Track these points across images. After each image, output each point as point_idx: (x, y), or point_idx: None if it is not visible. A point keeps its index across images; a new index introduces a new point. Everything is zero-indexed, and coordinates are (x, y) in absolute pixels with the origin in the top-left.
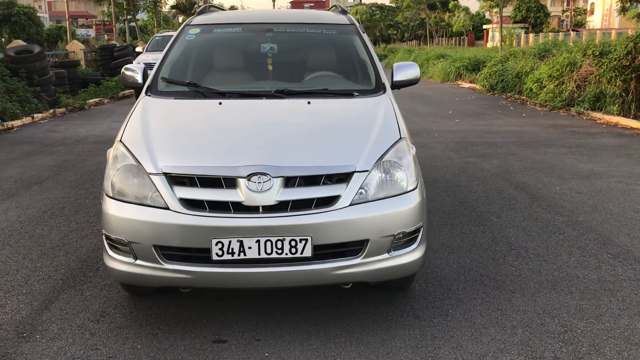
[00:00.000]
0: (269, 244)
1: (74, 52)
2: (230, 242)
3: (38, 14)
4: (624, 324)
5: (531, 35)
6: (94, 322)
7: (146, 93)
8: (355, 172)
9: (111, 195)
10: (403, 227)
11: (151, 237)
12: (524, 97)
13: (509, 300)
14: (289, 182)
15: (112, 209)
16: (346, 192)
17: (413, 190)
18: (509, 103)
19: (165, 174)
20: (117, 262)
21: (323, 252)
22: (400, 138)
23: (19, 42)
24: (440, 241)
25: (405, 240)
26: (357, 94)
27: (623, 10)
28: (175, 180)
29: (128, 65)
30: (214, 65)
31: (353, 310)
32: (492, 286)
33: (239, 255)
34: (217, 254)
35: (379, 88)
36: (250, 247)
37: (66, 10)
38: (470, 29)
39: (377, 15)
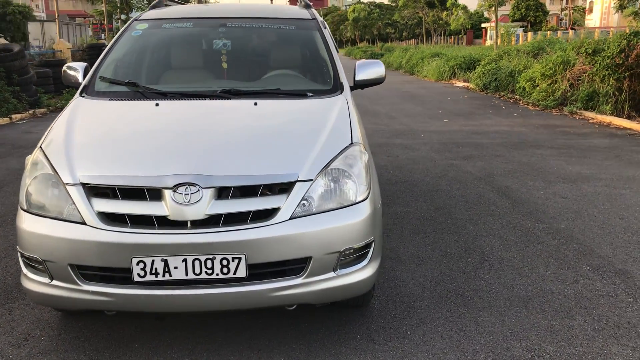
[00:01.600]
0: (197, 263)
1: (60, 51)
2: (153, 261)
3: (35, 13)
4: (597, 347)
5: (530, 34)
6: (14, 346)
7: (80, 94)
8: (297, 181)
9: (25, 208)
10: (350, 242)
11: (66, 256)
12: (517, 97)
13: (475, 320)
14: (223, 193)
15: (26, 223)
16: (286, 205)
17: (363, 201)
18: (502, 102)
19: (83, 184)
20: (33, 282)
21: (260, 271)
22: (352, 143)
23: (1, 41)
24: (409, 251)
25: (354, 256)
26: (310, 94)
27: (621, 7)
28: (95, 191)
29: (70, 64)
30: (160, 63)
31: (301, 332)
32: (459, 303)
33: (163, 276)
34: (138, 274)
35: (336, 88)
36: (176, 267)
37: (56, 9)
38: (469, 27)
39: (375, 13)
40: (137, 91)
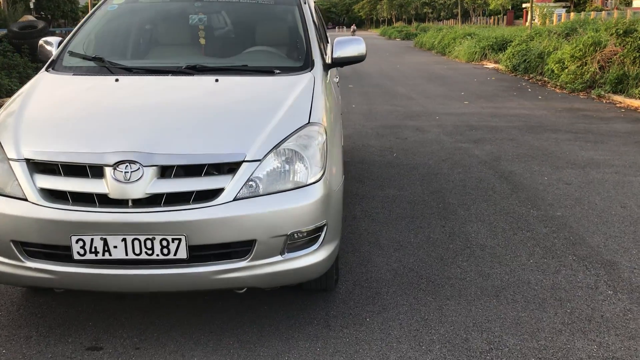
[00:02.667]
0: (136, 243)
1: None
2: (92, 239)
3: None
4: (562, 341)
5: (572, 14)
6: None
7: (47, 68)
8: (244, 161)
9: None
10: (298, 225)
11: (9, 231)
12: (545, 79)
13: (440, 309)
14: (166, 172)
15: None
16: (231, 185)
17: (314, 183)
18: (529, 85)
19: (27, 160)
20: None
21: (203, 253)
22: (309, 123)
23: (28, 18)
24: (391, 236)
25: (304, 240)
26: (278, 71)
27: None
28: (39, 167)
29: (46, 38)
30: (133, 37)
31: (259, 315)
32: (428, 291)
33: (103, 255)
34: (78, 252)
35: (307, 65)
36: (115, 247)
37: None
38: (510, 7)
39: None
40: (103, 66)
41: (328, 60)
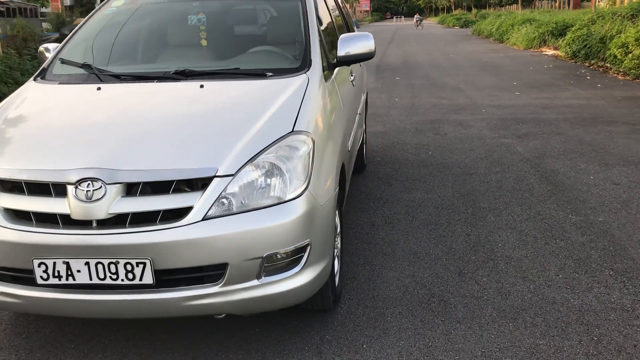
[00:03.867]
0: (100, 267)
1: None
2: (55, 263)
3: None
4: None
5: None
6: None
7: (35, 77)
8: (215, 176)
9: None
10: (275, 247)
11: None
12: (607, 65)
13: (447, 334)
14: (132, 189)
15: None
16: (200, 203)
17: (295, 199)
18: (589, 72)
19: None
20: None
21: (172, 277)
22: (293, 131)
23: (81, 20)
24: (408, 247)
25: (285, 262)
26: (271, 74)
27: None
28: (6, 186)
29: (46, 44)
30: (128, 42)
31: (247, 339)
32: (438, 311)
33: (67, 279)
34: (41, 277)
35: (304, 66)
36: (79, 271)
37: None
38: None
39: None
40: (92, 73)
41: (334, 60)
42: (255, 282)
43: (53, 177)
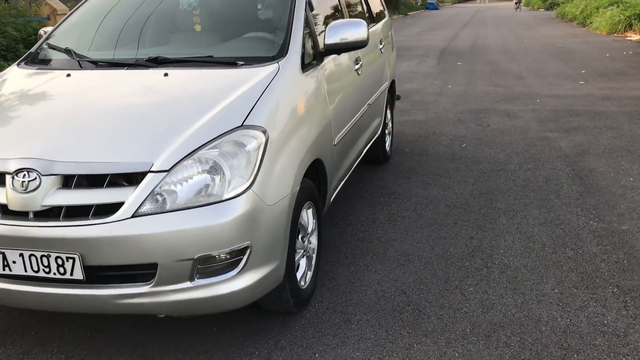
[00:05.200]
0: (33, 259)
1: None
2: None
3: None
4: None
5: None
6: None
7: (19, 61)
8: (149, 172)
9: None
10: (207, 248)
11: None
12: None
13: (408, 349)
14: (69, 182)
15: None
16: (131, 199)
17: (234, 198)
18: None
19: None
20: None
21: (104, 274)
22: (242, 125)
23: None
24: (403, 248)
25: (222, 264)
26: (242, 62)
27: None
28: None
29: (45, 28)
30: (115, 26)
31: (200, 339)
32: (409, 322)
33: (3, 269)
34: None
35: (280, 55)
36: (14, 262)
37: None
38: None
39: None
40: (72, 59)
41: (321, 48)
42: (187, 284)
43: None
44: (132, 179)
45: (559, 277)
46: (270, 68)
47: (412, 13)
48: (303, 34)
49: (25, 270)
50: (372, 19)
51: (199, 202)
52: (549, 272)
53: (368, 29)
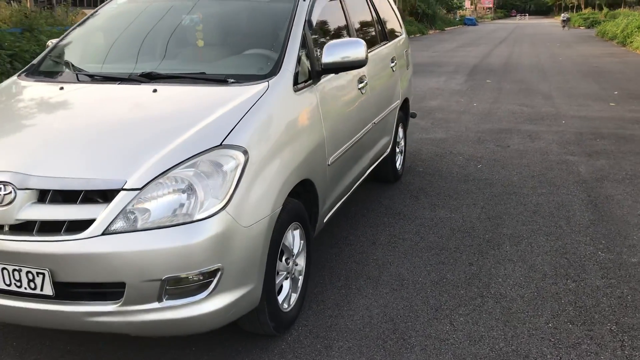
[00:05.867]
0: (6, 273)
1: None
2: None
3: None
4: None
5: None
6: None
7: (20, 73)
8: (121, 189)
9: None
10: (174, 269)
11: None
12: None
13: None
14: (45, 196)
15: None
16: (102, 217)
17: (205, 219)
18: None
19: None
20: None
21: (74, 290)
22: (221, 145)
23: None
24: (398, 272)
25: (192, 286)
26: (232, 80)
27: None
28: None
29: (54, 40)
30: (117, 40)
31: (181, 357)
32: (390, 351)
33: None
34: None
35: (273, 73)
36: None
37: None
38: None
39: None
40: (71, 72)
41: (318, 68)
42: (155, 304)
43: None
44: (106, 196)
45: (555, 311)
46: (260, 86)
47: (449, 29)
48: (299, 52)
49: None
50: (384, 37)
51: (170, 222)
52: (546, 305)
53: (367, 49)
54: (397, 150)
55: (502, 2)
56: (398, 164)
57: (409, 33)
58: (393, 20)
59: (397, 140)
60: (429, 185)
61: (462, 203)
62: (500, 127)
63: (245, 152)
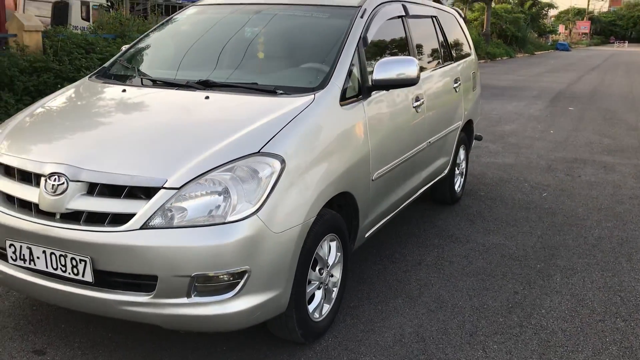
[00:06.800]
0: (53, 257)
1: None
2: (21, 247)
3: None
4: None
5: None
6: None
7: (90, 75)
8: (161, 188)
9: None
10: (203, 267)
11: None
12: None
13: None
14: (94, 189)
15: None
16: (142, 212)
17: (237, 221)
18: None
19: None
20: None
21: (112, 279)
22: (258, 152)
23: None
24: (439, 294)
25: (221, 285)
26: (281, 91)
27: None
28: (7, 170)
29: (127, 45)
30: (180, 48)
31: (211, 355)
32: None
33: (29, 263)
34: (11, 257)
35: (321, 86)
36: (38, 257)
37: None
38: None
39: None
40: (136, 76)
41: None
42: (184, 299)
43: (34, 167)
44: (148, 192)
45: (597, 348)
46: (306, 99)
47: (539, 53)
48: (350, 68)
49: (47, 267)
50: (450, 57)
51: (205, 222)
52: (588, 341)
53: (419, 68)
54: (457, 171)
55: (600, 28)
56: (457, 186)
57: (494, 55)
58: (461, 41)
59: (458, 162)
60: (488, 209)
61: (518, 230)
62: (574, 157)
63: (282, 161)
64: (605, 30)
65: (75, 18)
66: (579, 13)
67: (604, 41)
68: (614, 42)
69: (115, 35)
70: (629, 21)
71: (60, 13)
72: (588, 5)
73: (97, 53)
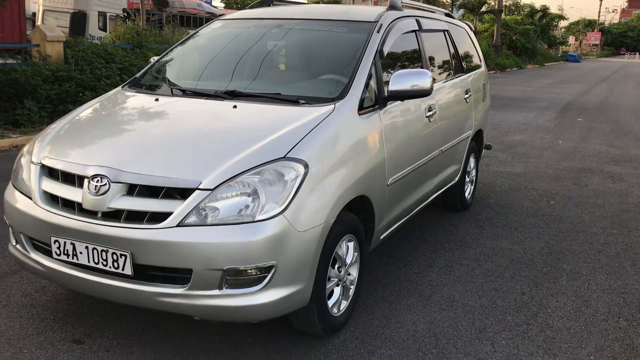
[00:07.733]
0: (95, 252)
1: None
2: (65, 242)
3: None
4: None
5: None
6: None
7: (124, 85)
8: (196, 189)
9: (12, 179)
10: (234, 262)
11: (19, 224)
12: None
13: None
14: (133, 190)
15: (7, 193)
16: (178, 211)
17: (265, 220)
18: None
19: (42, 164)
20: (10, 245)
21: (150, 273)
22: (284, 157)
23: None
24: (450, 294)
25: (249, 279)
26: (304, 101)
27: None
28: (48, 172)
29: (156, 57)
30: (207, 60)
31: (236, 346)
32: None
33: (72, 258)
34: (55, 252)
35: (341, 97)
36: (81, 252)
37: None
38: None
39: None
40: (166, 86)
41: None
42: (216, 291)
43: (77, 169)
44: (184, 193)
45: (600, 345)
46: (326, 108)
47: (549, 64)
48: (367, 79)
49: (89, 261)
50: (460, 69)
51: (235, 220)
52: (591, 339)
53: (432, 79)
54: (467, 179)
55: (611, 40)
56: (467, 193)
57: (504, 67)
58: (472, 53)
59: (468, 169)
60: (497, 216)
61: (526, 236)
62: (582, 166)
63: (305, 165)
64: (616, 41)
65: (93, 28)
66: (590, 24)
67: (614, 52)
68: (624, 54)
69: (133, 45)
70: (639, 32)
71: (78, 23)
72: (599, 16)
73: (117, 63)
